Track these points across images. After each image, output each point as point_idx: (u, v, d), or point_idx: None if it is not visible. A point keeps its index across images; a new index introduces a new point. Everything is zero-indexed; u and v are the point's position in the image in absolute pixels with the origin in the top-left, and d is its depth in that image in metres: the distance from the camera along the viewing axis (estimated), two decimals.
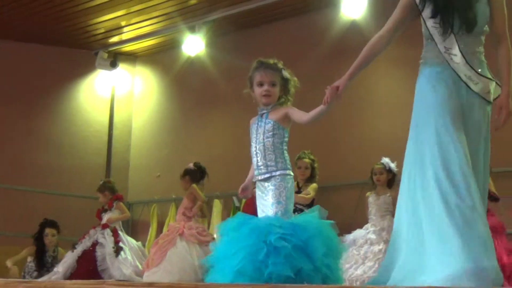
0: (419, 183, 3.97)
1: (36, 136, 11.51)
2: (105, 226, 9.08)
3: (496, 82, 4.09)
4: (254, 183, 5.19)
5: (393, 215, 7.44)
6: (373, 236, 7.85)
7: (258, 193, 4.55)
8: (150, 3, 10.07)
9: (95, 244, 8.94)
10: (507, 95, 3.98)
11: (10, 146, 11.14)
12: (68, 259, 8.82)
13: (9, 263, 9.38)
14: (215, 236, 9.08)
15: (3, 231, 10.34)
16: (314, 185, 8.51)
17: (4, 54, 11.22)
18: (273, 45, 10.54)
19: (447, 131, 3.87)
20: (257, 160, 4.56)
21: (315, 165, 8.63)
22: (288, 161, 4.58)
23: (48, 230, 9.57)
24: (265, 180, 4.50)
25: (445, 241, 3.63)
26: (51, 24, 10.84)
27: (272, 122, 4.63)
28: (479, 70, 4.03)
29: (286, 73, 4.68)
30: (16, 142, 11.15)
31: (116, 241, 9.03)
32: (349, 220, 8.66)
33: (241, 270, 3.94)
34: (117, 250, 8.93)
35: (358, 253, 7.80)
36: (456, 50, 4.03)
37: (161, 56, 12.26)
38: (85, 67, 12.09)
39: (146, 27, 11.17)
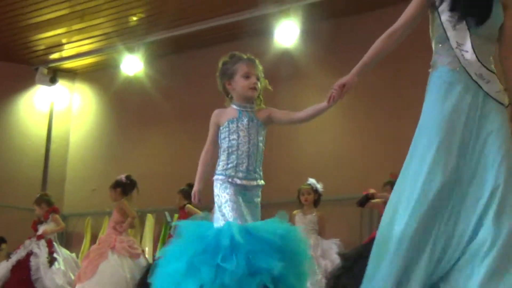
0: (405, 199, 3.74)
1: None
2: (40, 237, 9.04)
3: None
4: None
5: (318, 233, 8.14)
6: None
7: (233, 190, 3.99)
8: (91, 23, 10.25)
9: (29, 254, 8.90)
10: None
11: None
12: (2, 269, 8.82)
13: None
14: (146, 249, 10.03)
15: None
16: None
17: None
18: (208, 68, 10.31)
19: (438, 153, 3.68)
20: (248, 163, 4.09)
21: None
22: None
23: (4, 245, 9.88)
24: (250, 188, 4.07)
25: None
26: None
27: (263, 126, 4.28)
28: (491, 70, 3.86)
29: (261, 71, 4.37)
30: None
31: (51, 252, 8.99)
32: None
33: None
34: (51, 260, 8.90)
35: None
36: (468, 46, 3.86)
37: (100, 74, 12.30)
38: (25, 82, 12.10)
39: (86, 45, 11.23)
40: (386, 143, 9.00)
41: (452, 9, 3.83)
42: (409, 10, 3.96)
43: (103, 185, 10.05)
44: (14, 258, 8.89)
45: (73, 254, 9.55)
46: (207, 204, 7.69)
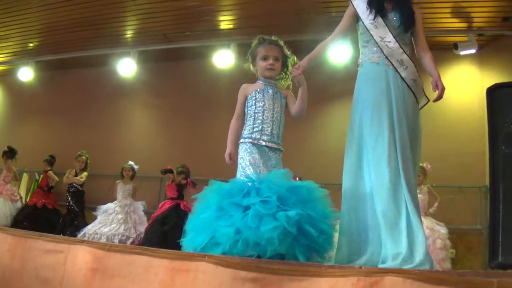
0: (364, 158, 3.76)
1: None
2: None
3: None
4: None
5: (132, 197, 8.94)
6: (119, 209, 8.88)
7: (258, 155, 3.84)
8: (2, 45, 10.97)
9: None
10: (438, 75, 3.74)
11: None
12: None
13: None
14: (22, 196, 10.52)
15: None
16: (86, 173, 9.77)
17: None
18: (73, 81, 12.04)
19: (378, 119, 3.68)
20: (272, 127, 3.96)
21: (88, 160, 9.94)
22: None
23: None
24: (273, 149, 3.94)
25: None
26: None
27: (285, 100, 4.17)
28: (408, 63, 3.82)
29: (286, 50, 4.24)
30: None
31: None
32: (105, 197, 9.52)
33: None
34: None
35: (108, 218, 8.76)
36: (389, 37, 3.84)
37: (5, 79, 12.83)
38: None
39: None
40: None
41: (371, 13, 3.90)
42: (341, 24, 4.07)
43: None
44: None
45: None
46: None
